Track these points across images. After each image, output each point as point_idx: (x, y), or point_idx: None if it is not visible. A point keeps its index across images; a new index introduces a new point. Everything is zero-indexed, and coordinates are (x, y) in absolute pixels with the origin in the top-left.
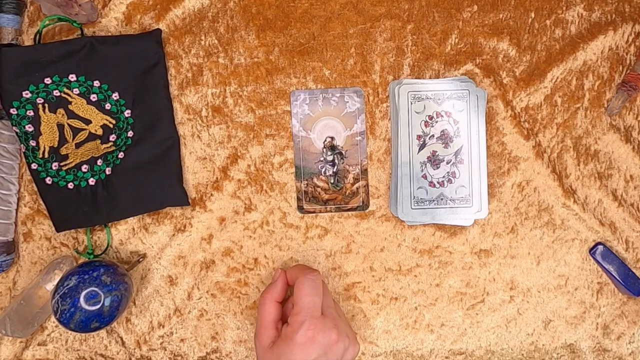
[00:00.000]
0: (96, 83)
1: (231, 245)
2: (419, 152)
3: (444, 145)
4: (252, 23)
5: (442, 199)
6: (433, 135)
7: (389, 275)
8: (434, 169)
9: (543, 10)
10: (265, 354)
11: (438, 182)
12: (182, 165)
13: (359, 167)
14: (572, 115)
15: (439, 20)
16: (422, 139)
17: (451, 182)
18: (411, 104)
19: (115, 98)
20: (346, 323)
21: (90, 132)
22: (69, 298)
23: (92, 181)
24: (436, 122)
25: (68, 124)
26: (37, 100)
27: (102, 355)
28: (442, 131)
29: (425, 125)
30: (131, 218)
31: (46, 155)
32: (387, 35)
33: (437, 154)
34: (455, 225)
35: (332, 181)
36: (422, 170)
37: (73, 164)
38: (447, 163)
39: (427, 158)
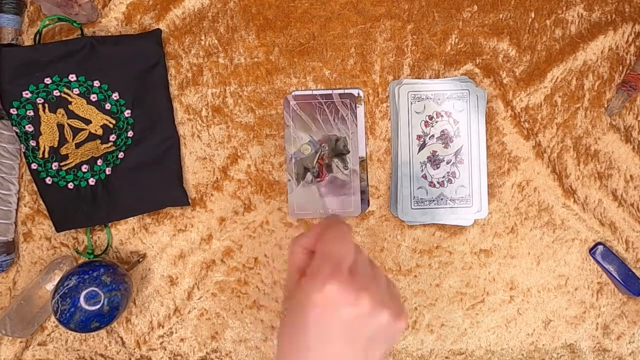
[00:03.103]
0: (96, 83)
1: (231, 245)
2: (419, 152)
3: (444, 145)
4: (252, 23)
5: (442, 199)
6: (433, 135)
7: (389, 275)
8: (434, 169)
9: (543, 10)
10: (284, 303)
11: (438, 182)
12: (182, 165)
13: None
14: (572, 115)
15: (439, 20)
16: (422, 139)
17: (451, 182)
18: (411, 104)
19: (115, 98)
20: (389, 292)
21: (90, 132)
22: (69, 298)
23: (92, 181)
24: (436, 122)
25: (68, 124)
26: (37, 100)
27: (102, 355)
28: (442, 131)
29: (425, 125)
30: (131, 218)
31: (46, 155)
32: (387, 35)
33: (437, 154)
34: (455, 225)
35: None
36: (422, 170)
37: (73, 164)
38: (447, 163)
39: (427, 158)
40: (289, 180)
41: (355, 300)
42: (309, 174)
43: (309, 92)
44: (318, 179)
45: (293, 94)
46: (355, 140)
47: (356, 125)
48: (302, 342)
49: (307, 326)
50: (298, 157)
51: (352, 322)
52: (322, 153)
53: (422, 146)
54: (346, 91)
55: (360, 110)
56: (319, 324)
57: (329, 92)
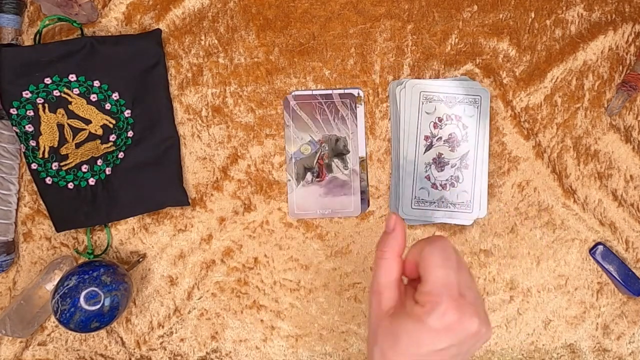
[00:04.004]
0: (96, 83)
1: (231, 245)
2: (425, 152)
3: (450, 148)
4: (252, 23)
5: (442, 202)
6: (440, 138)
7: None
8: (439, 171)
9: (543, 10)
10: (383, 320)
11: (441, 185)
12: (182, 165)
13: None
14: (572, 115)
15: (439, 20)
16: (430, 140)
17: (454, 186)
18: (422, 104)
19: (115, 98)
20: (483, 304)
21: (90, 132)
22: (69, 298)
23: (92, 181)
24: (445, 124)
25: (68, 124)
26: (37, 100)
27: (102, 355)
28: (450, 134)
29: (434, 127)
30: (131, 218)
31: (46, 155)
32: (387, 35)
33: (442, 156)
34: (455, 225)
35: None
36: (426, 171)
37: (73, 164)
38: (452, 167)
39: (433, 160)
40: (289, 180)
41: (470, 324)
42: (309, 174)
43: (309, 92)
44: (318, 179)
45: (293, 94)
46: (355, 140)
47: (356, 125)
48: (411, 354)
49: (422, 345)
50: (298, 157)
51: (463, 342)
52: (322, 153)
53: (429, 147)
54: (346, 91)
55: (360, 110)
56: (435, 345)
57: (329, 92)
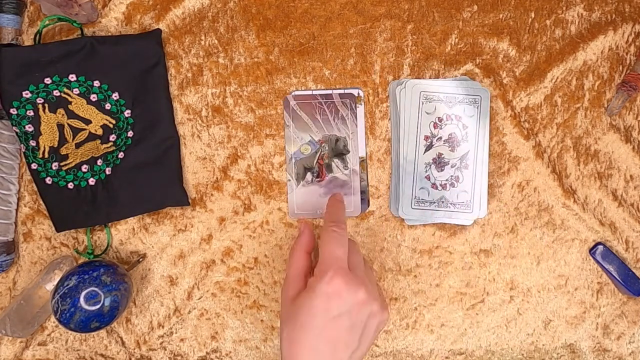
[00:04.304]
0: (96, 83)
1: (231, 245)
2: (424, 152)
3: (450, 148)
4: (252, 23)
5: (442, 202)
6: (441, 138)
7: (389, 275)
8: (439, 171)
9: (543, 10)
10: (288, 306)
11: (441, 185)
12: (182, 165)
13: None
14: (572, 115)
15: (439, 20)
16: (430, 140)
17: (454, 187)
18: (422, 103)
19: (115, 98)
20: (377, 288)
21: (90, 132)
22: (69, 298)
23: (92, 181)
24: (445, 124)
25: (68, 124)
26: (37, 100)
27: (102, 355)
28: (450, 134)
29: (434, 127)
30: (131, 218)
31: (46, 155)
32: (387, 35)
33: (442, 156)
34: (456, 225)
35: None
36: (426, 171)
37: (73, 164)
38: (452, 167)
39: (433, 160)
40: (289, 180)
41: (356, 291)
42: (309, 174)
43: (309, 92)
44: (318, 179)
45: (293, 94)
46: (355, 140)
47: (356, 125)
48: (309, 327)
49: (316, 313)
50: (298, 157)
51: (352, 310)
52: (322, 153)
53: (429, 147)
54: (346, 91)
55: (360, 110)
56: (327, 311)
57: (329, 92)
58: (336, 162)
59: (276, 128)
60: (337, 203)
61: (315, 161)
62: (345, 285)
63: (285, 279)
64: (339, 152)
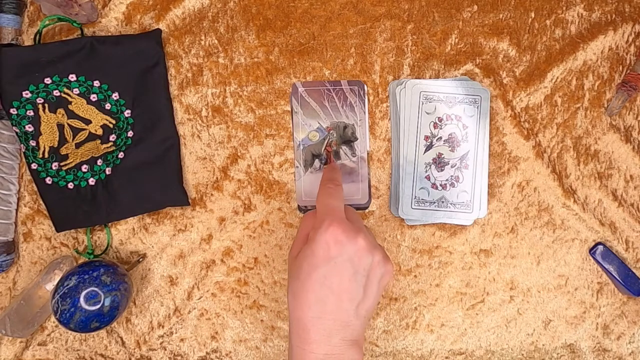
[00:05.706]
0: (96, 83)
1: (231, 245)
2: (425, 152)
3: (450, 148)
4: (252, 23)
5: (443, 202)
6: (441, 138)
7: None
8: (439, 171)
9: (543, 10)
10: (292, 263)
11: (441, 185)
12: (182, 165)
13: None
14: (572, 115)
15: (439, 20)
16: (430, 140)
17: (454, 186)
18: (422, 104)
19: (115, 98)
20: (376, 241)
21: (90, 132)
22: (69, 298)
23: (92, 181)
24: (445, 124)
25: (68, 124)
26: (37, 100)
27: (102, 355)
28: (450, 134)
29: (434, 127)
30: (131, 218)
31: (46, 155)
32: (387, 35)
33: (442, 156)
34: (456, 225)
35: None
36: (426, 171)
37: (73, 164)
38: (452, 167)
39: (433, 160)
40: (297, 167)
41: (355, 237)
42: (316, 160)
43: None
44: (326, 166)
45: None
46: (363, 128)
47: (365, 113)
48: (312, 277)
49: (318, 262)
50: (306, 143)
51: (353, 257)
52: (330, 140)
53: (429, 147)
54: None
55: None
56: (328, 259)
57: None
58: (344, 149)
59: (276, 128)
60: (333, 167)
61: (323, 148)
62: (343, 232)
63: (293, 242)
64: (347, 139)
